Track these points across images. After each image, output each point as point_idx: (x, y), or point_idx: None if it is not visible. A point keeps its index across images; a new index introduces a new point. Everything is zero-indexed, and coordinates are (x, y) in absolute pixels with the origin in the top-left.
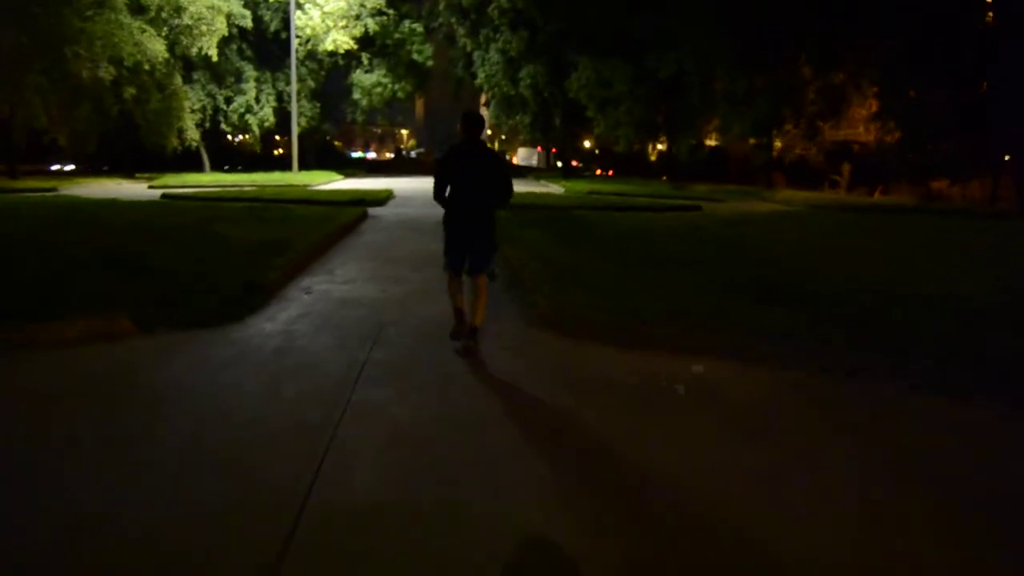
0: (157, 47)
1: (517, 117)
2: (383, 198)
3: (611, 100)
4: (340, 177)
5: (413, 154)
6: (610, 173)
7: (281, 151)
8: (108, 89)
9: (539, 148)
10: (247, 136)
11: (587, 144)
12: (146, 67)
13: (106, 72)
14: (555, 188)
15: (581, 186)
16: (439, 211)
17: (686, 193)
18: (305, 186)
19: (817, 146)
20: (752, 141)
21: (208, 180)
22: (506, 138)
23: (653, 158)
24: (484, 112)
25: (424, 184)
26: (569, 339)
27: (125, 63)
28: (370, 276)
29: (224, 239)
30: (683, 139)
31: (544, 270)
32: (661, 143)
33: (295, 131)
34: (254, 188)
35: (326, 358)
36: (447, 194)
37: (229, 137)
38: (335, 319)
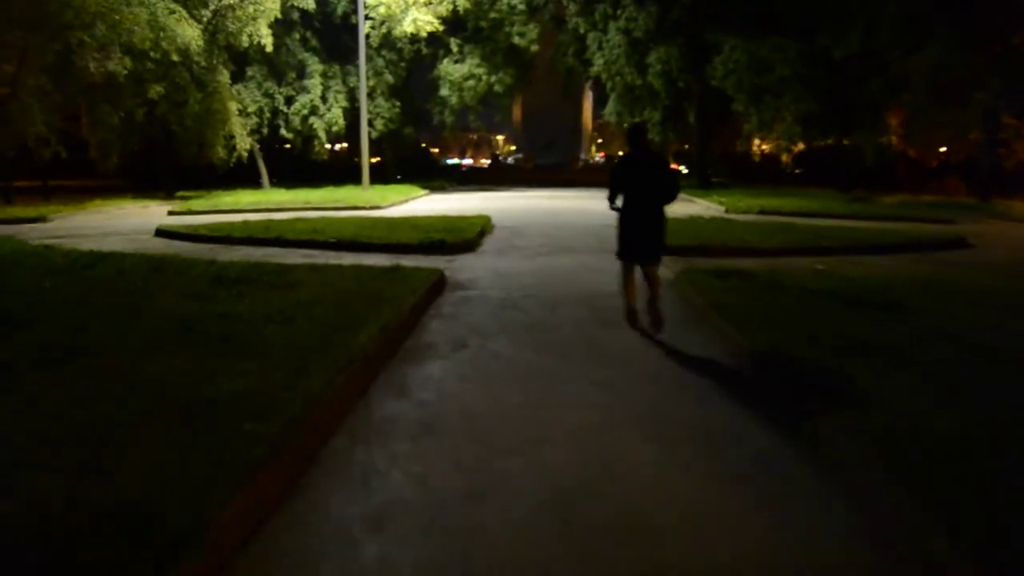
0: (189, 32)
1: (645, 112)
2: (474, 235)
3: (769, 88)
4: (423, 192)
5: (511, 160)
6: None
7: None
8: (126, 86)
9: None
10: (318, 143)
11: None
12: (175, 58)
13: (119, 64)
14: (705, 204)
15: (741, 201)
16: (584, 263)
17: (876, 208)
18: (370, 209)
19: None
20: (975, 137)
21: (250, 201)
22: (603, 141)
23: (757, 159)
24: (587, 104)
25: (537, 202)
26: None
27: (151, 53)
28: None
29: None
30: (867, 136)
31: None
32: (770, 142)
33: (364, 135)
34: (291, 217)
35: None
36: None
37: (296, 144)
38: None
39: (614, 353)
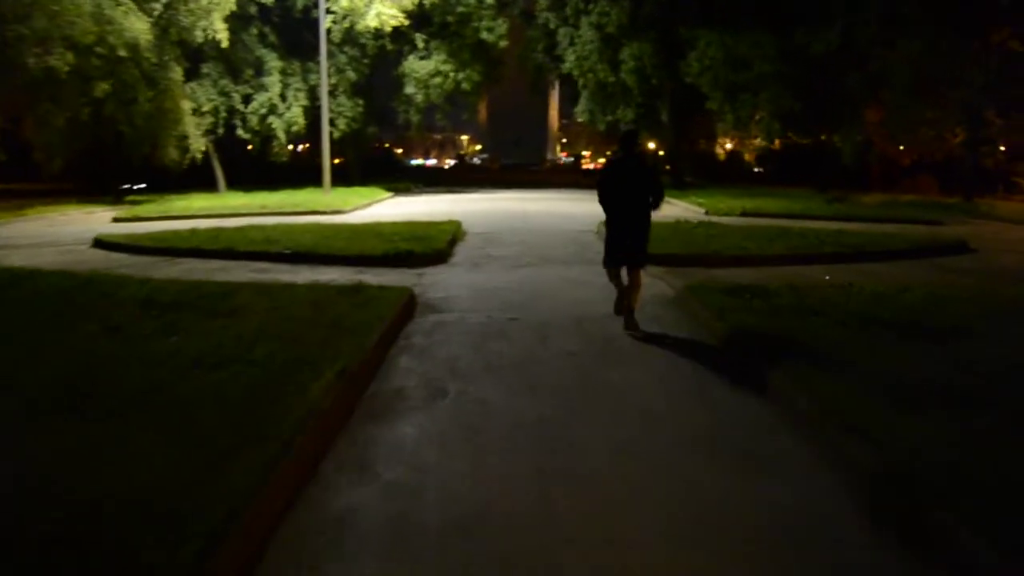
0: (137, 26)
1: (618, 111)
2: (445, 243)
3: (747, 85)
4: (387, 195)
5: (476, 160)
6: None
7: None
8: (71, 84)
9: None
10: (277, 144)
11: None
12: (123, 54)
13: (61, 60)
14: (683, 205)
15: (721, 203)
16: (569, 276)
17: (859, 209)
18: (331, 214)
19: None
20: (958, 139)
21: (202, 206)
22: (568, 140)
23: (722, 157)
24: (553, 103)
25: (508, 205)
26: None
27: (97, 48)
28: None
29: None
30: (846, 134)
31: None
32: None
33: (325, 136)
34: (245, 224)
35: None
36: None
37: (254, 145)
38: None
39: (629, 400)
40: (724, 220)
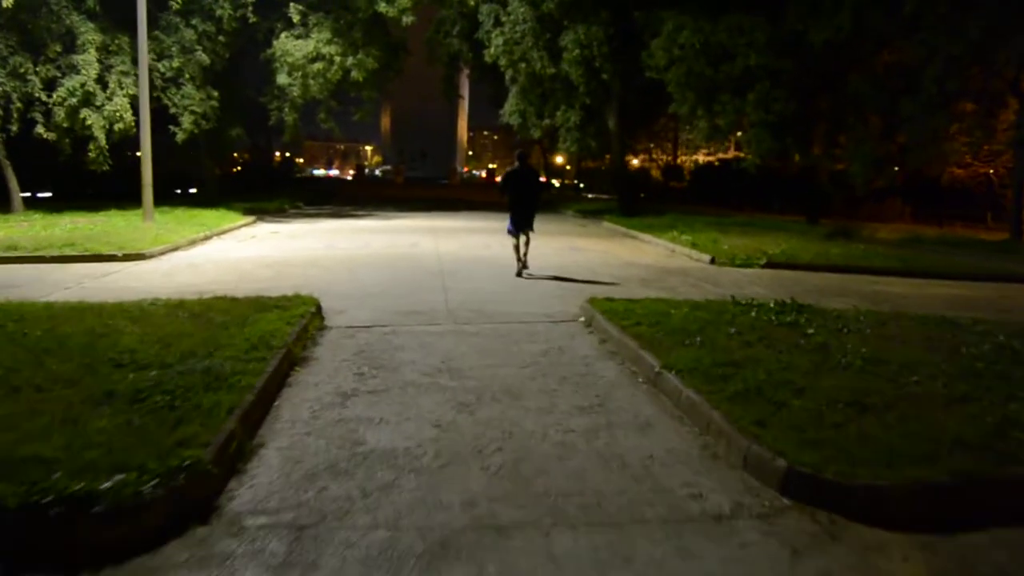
0: None
1: (558, 113)
2: (232, 422)
3: (728, 83)
4: (243, 221)
5: (378, 172)
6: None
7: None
8: None
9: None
10: (93, 147)
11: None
12: None
13: None
14: (667, 246)
15: (720, 243)
16: None
17: (901, 254)
18: (122, 260)
19: None
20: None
21: None
22: (474, 153)
23: (655, 172)
24: (462, 112)
25: (413, 241)
26: None
27: None
28: None
29: None
30: (855, 150)
31: None
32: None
33: (145, 132)
34: None
35: None
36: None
37: (63, 147)
38: None
39: None
40: (749, 274)
